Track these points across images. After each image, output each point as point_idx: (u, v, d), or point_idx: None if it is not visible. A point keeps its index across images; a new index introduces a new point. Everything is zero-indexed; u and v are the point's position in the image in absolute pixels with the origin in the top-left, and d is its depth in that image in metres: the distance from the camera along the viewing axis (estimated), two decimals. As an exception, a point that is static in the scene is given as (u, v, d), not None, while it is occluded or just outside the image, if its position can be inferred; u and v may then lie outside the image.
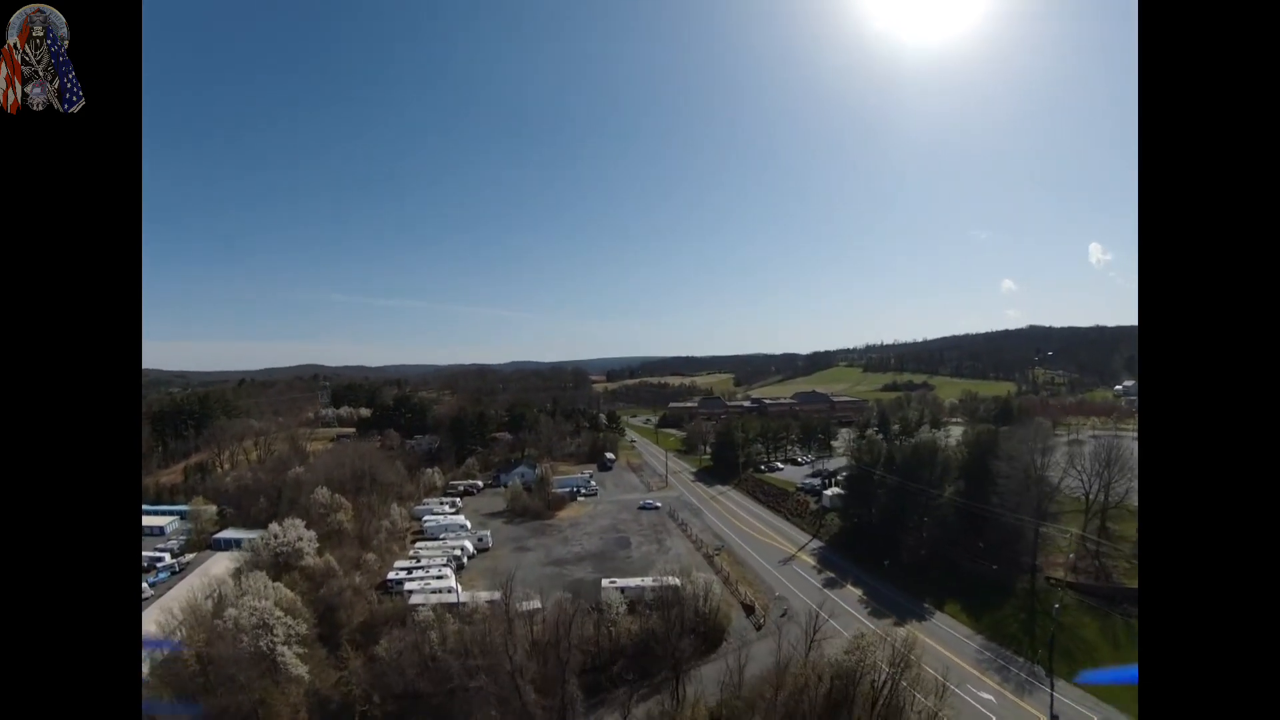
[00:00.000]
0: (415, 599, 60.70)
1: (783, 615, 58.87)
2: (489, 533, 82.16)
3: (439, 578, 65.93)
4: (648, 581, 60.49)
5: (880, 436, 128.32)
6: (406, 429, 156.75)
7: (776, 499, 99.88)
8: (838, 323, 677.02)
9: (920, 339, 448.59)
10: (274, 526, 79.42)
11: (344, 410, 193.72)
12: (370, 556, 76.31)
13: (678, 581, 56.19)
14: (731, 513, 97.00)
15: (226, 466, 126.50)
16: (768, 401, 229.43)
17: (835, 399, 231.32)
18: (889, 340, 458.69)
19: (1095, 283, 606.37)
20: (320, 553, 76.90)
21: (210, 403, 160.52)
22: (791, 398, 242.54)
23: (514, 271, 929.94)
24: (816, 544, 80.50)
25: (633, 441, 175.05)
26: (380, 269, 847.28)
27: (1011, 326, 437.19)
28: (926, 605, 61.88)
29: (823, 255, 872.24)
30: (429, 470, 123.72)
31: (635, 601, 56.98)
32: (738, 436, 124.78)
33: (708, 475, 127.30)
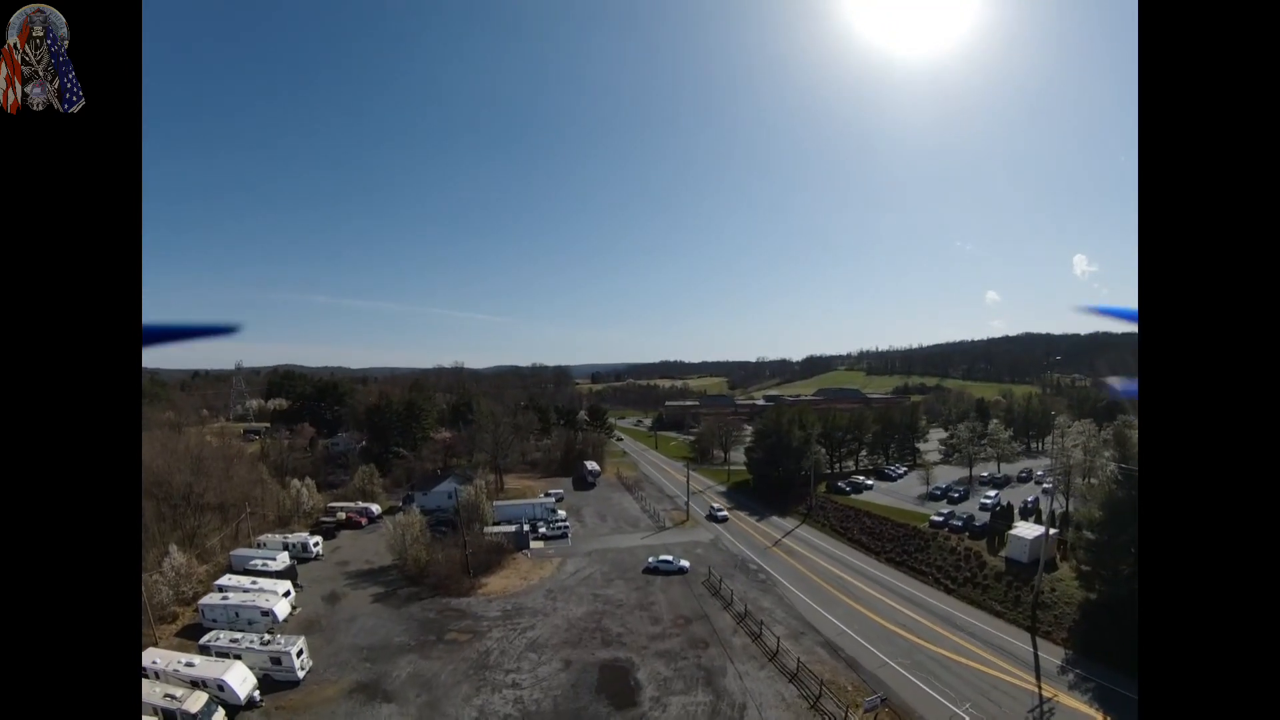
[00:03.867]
0: None
1: None
2: (300, 647, 34.06)
3: None
4: None
5: (1008, 432, 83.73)
6: (331, 424, 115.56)
7: (902, 547, 54.02)
8: (826, 330, 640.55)
9: (916, 345, 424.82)
10: None
11: (274, 404, 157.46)
12: None
13: None
14: (833, 579, 50.07)
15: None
16: (789, 399, 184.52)
17: (870, 396, 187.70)
18: (882, 347, 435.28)
19: (1080, 295, 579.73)
20: None
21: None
22: (815, 394, 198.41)
23: (500, 279, 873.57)
24: (1053, 651, 35.05)
25: (625, 450, 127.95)
26: (364, 274, 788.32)
27: (1001, 334, 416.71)
28: None
29: (810, 265, 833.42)
30: (296, 484, 76.35)
31: None
32: (795, 436, 78.42)
33: (748, 498, 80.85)
